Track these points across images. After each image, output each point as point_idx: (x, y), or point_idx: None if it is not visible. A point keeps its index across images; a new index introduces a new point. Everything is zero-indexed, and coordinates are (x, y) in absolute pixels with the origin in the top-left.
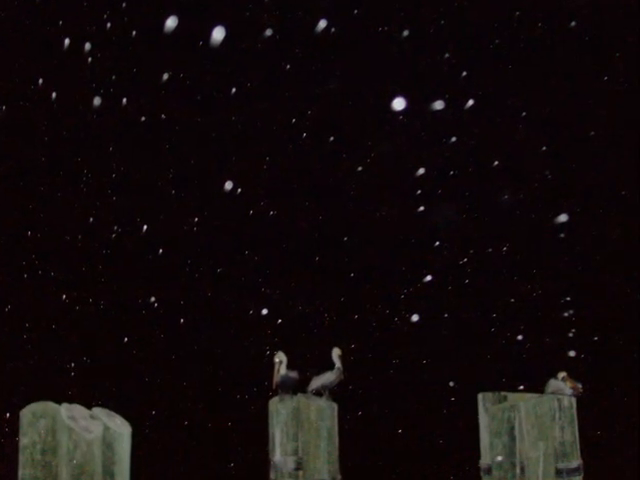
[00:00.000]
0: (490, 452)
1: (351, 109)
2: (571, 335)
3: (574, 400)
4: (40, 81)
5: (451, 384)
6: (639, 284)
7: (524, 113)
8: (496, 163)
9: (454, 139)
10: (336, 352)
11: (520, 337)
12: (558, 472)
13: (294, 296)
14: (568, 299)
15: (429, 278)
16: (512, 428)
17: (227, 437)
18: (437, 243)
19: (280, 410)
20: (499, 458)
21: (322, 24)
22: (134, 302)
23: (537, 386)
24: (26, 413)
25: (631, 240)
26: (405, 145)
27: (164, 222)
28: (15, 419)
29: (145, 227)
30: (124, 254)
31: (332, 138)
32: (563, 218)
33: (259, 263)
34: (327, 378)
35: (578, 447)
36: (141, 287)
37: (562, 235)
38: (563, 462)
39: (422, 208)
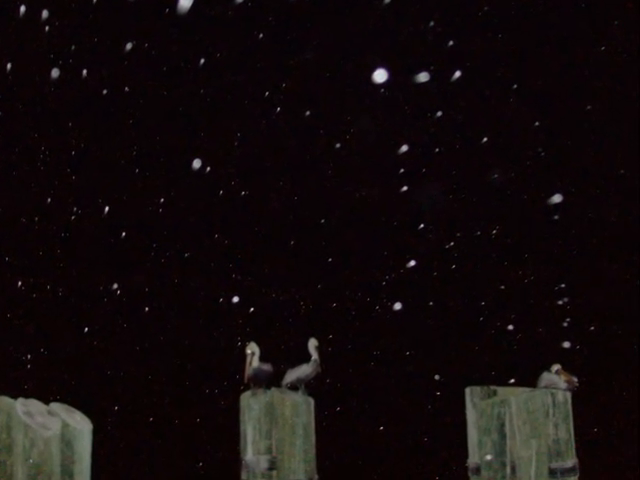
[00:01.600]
0: (478, 451)
1: (328, 81)
2: (566, 325)
3: (569, 395)
4: None
5: (436, 377)
6: (638, 270)
7: (515, 85)
8: (485, 140)
9: (440, 114)
10: (313, 343)
11: (511, 327)
12: (552, 472)
13: (267, 283)
14: (562, 286)
15: (413, 263)
16: (502, 425)
17: (195, 434)
18: (421, 226)
19: (252, 405)
20: (488, 457)
21: None
22: (95, 289)
23: (529, 380)
24: None
25: (630, 222)
26: (387, 120)
27: (127, 203)
28: None
29: (107, 208)
30: (84, 237)
31: (308, 113)
32: (557, 199)
33: (229, 247)
34: (303, 371)
35: (573, 445)
36: (102, 273)
37: (556, 217)
38: (557, 461)
39: (405, 188)
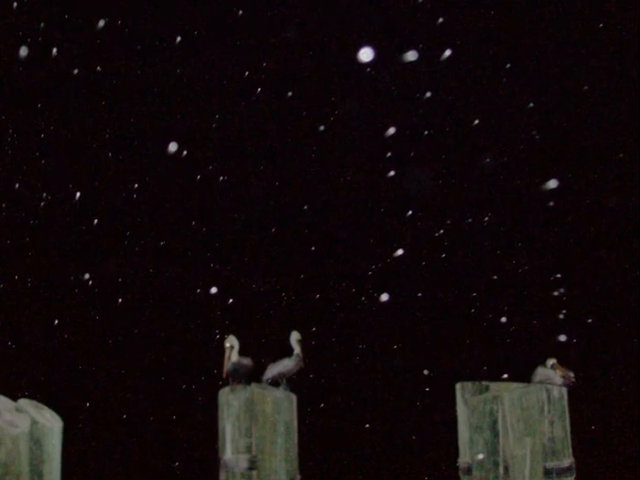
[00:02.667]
0: (470, 449)
1: (312, 61)
2: (562, 317)
3: (565, 390)
4: None
5: (425, 372)
6: (638, 259)
7: (508, 65)
8: (476, 122)
9: (429, 94)
10: (295, 336)
11: (504, 319)
12: (547, 472)
13: (247, 273)
14: (558, 276)
15: (400, 252)
16: (495, 422)
17: (171, 433)
18: (409, 212)
19: (231, 402)
20: (480, 456)
21: None
22: (65, 279)
23: (523, 375)
24: None
25: (630, 209)
26: (373, 102)
27: (99, 188)
28: None
29: (78, 194)
30: (54, 225)
31: (290, 94)
32: (553, 184)
33: (207, 235)
34: (285, 366)
35: (569, 444)
36: (73, 262)
37: (551, 203)
38: (553, 461)
39: (393, 173)
